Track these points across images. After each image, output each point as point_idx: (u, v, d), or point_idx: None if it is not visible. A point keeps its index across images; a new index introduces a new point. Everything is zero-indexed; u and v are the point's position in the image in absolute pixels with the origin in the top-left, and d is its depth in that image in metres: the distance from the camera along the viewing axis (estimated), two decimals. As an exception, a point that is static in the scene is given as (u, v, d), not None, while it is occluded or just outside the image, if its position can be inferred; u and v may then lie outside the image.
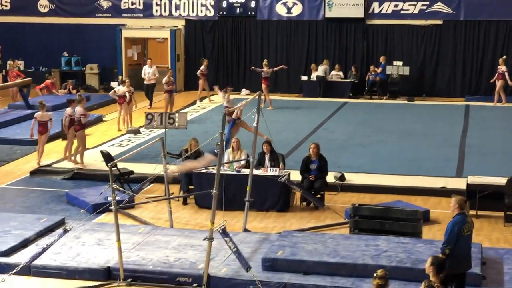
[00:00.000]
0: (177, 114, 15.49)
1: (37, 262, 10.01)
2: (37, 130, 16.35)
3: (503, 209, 12.34)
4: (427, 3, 25.34)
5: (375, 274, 7.18)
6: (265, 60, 24.07)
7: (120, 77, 21.69)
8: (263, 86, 22.82)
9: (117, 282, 9.77)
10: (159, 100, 22.91)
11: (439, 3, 25.25)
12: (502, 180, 12.58)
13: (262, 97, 23.04)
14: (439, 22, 25.42)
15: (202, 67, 24.07)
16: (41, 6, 28.22)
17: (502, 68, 23.24)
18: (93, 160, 16.12)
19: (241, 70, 27.08)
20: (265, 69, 23.16)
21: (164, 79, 21.67)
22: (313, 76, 25.46)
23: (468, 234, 8.50)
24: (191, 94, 25.71)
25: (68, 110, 16.24)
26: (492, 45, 25.09)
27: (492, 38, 25.07)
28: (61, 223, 11.71)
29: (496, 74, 23.45)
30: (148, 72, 23.16)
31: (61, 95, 24.19)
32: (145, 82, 23.19)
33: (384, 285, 7.08)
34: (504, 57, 23.74)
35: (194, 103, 24.05)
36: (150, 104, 23.01)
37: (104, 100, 23.92)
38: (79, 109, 15.83)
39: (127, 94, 19.68)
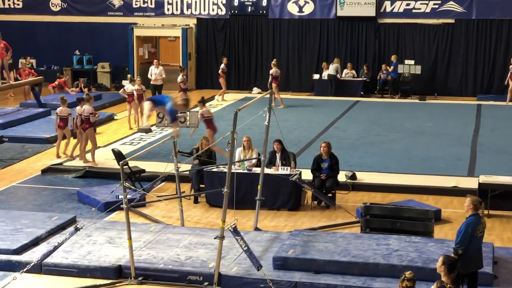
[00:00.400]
0: (188, 112, 15.50)
1: (49, 260, 10.04)
2: (57, 124, 16.69)
3: (515, 209, 12.29)
4: (439, 2, 25.27)
5: (403, 276, 7.13)
6: (274, 60, 24.06)
7: (129, 76, 21.67)
8: (274, 85, 22.82)
9: (128, 280, 9.79)
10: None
11: (451, 2, 25.17)
12: (514, 180, 12.53)
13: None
14: (451, 21, 25.34)
15: (222, 65, 24.05)
16: (53, 5, 28.32)
17: None
18: (104, 159, 16.16)
19: (252, 68, 27.09)
20: (274, 69, 23.15)
21: (179, 78, 21.69)
22: (325, 75, 25.43)
23: (481, 235, 8.48)
24: (202, 92, 25.66)
25: (78, 108, 16.29)
26: (504, 44, 24.99)
27: (505, 37, 24.97)
28: (72, 221, 11.72)
29: (509, 74, 23.34)
30: (155, 72, 22.71)
31: (73, 94, 24.26)
32: (151, 83, 22.69)
33: (412, 287, 7.07)
34: None
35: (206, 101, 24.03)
36: None
37: (116, 99, 23.99)
38: (87, 108, 15.86)
39: (135, 93, 19.70)
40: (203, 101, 16.16)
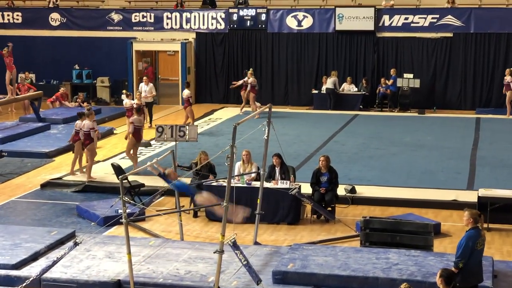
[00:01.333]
0: (187, 127, 15.55)
1: (48, 275, 10.02)
2: (73, 138, 16.60)
3: (514, 222, 12.28)
4: (437, 16, 25.36)
5: None
6: (251, 69, 24.19)
7: (124, 91, 21.64)
8: (251, 95, 22.99)
9: (127, 295, 9.77)
10: (166, 115, 22.91)
11: (449, 16, 25.26)
12: (513, 193, 12.52)
13: (250, 108, 23.35)
14: (449, 35, 25.42)
15: (247, 79, 24.03)
16: (52, 20, 28.41)
17: (507, 78, 23.21)
18: (103, 173, 16.16)
19: (251, 83, 27.08)
20: (251, 78, 23.24)
21: (186, 93, 21.36)
22: (323, 89, 25.49)
23: (481, 248, 8.48)
24: (202, 106, 25.76)
25: (78, 123, 16.27)
26: (502, 57, 25.06)
27: (503, 50, 25.04)
28: (71, 236, 11.70)
29: (504, 86, 23.41)
30: (144, 90, 22.09)
31: (72, 107, 24.31)
32: (141, 101, 20.85)
33: None
34: (511, 68, 23.68)
35: (205, 115, 24.07)
36: (150, 122, 22.11)
37: (115, 113, 24.03)
38: (87, 123, 15.82)
39: (134, 106, 19.68)
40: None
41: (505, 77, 23.41)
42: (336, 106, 24.89)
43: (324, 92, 25.34)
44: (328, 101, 25.10)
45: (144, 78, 22.81)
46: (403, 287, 7.12)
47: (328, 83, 25.01)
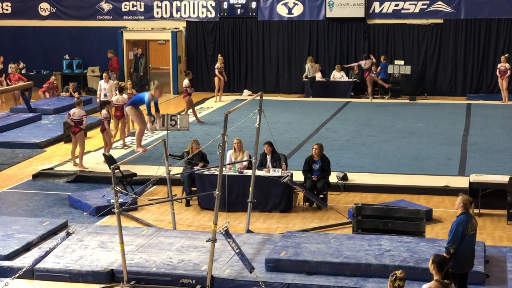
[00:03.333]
0: (179, 116, 15.54)
1: (40, 265, 10.03)
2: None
3: (505, 207, 12.33)
4: (428, 2, 25.34)
5: (394, 276, 7.05)
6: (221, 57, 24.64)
7: (115, 81, 21.53)
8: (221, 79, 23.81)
9: (120, 284, 9.78)
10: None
11: (440, 2, 25.26)
12: (504, 178, 12.57)
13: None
14: (440, 21, 25.42)
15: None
16: (42, 10, 28.26)
17: (505, 65, 23.23)
18: (95, 163, 16.14)
19: (242, 71, 27.08)
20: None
21: (185, 82, 20.98)
22: (316, 77, 25.49)
23: (473, 233, 8.52)
24: (193, 95, 25.63)
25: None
26: (493, 43, 25.09)
27: (493, 36, 25.06)
28: (64, 226, 11.71)
29: (500, 73, 23.40)
30: (104, 88, 19.81)
31: (62, 97, 24.28)
32: (101, 99, 19.68)
33: (403, 287, 7.08)
34: (507, 55, 23.72)
35: (196, 104, 24.01)
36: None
37: (106, 103, 23.94)
38: (78, 111, 15.85)
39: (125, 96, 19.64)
40: None
41: (500, 64, 23.39)
42: (324, 93, 24.88)
43: (316, 79, 25.35)
44: (310, 90, 25.05)
45: (104, 74, 20.34)
46: (399, 275, 7.08)
47: (311, 71, 24.93)
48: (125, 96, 18.09)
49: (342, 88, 25.21)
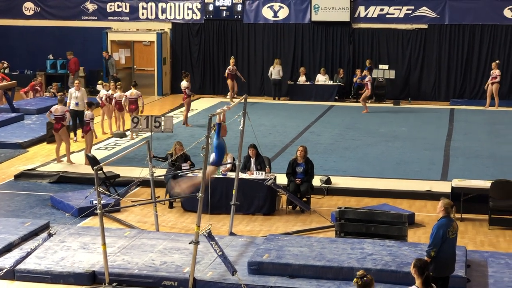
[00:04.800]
0: (163, 117, 15.51)
1: (21, 266, 9.96)
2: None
3: (487, 212, 12.40)
4: (412, 7, 25.47)
5: (355, 280, 7.10)
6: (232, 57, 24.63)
7: (99, 82, 21.47)
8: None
9: (102, 286, 9.72)
10: (141, 105, 22.72)
11: (424, 8, 25.39)
12: (486, 184, 12.64)
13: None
14: (424, 26, 25.55)
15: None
16: (26, 9, 28.12)
17: (495, 72, 23.32)
18: (78, 164, 16.06)
19: (227, 73, 27.06)
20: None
21: (184, 84, 20.80)
22: (301, 80, 25.57)
23: (453, 237, 8.57)
24: (177, 97, 25.65)
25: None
26: (476, 49, 25.25)
27: (477, 42, 25.23)
28: (45, 227, 11.65)
29: (490, 79, 23.48)
30: (75, 96, 18.71)
31: (46, 97, 24.18)
32: (71, 108, 18.31)
33: (369, 284, 7.06)
34: (498, 61, 23.82)
35: (181, 106, 23.98)
36: (75, 134, 18.88)
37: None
38: (60, 108, 15.90)
39: (105, 97, 19.62)
40: None
41: (492, 71, 23.47)
42: (303, 97, 24.97)
43: (300, 82, 25.43)
44: (274, 92, 25.11)
45: (76, 82, 19.54)
46: (359, 274, 7.11)
47: (274, 73, 25.01)
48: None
49: (327, 92, 25.27)
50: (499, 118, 21.99)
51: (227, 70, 24.34)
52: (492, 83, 23.42)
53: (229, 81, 24.27)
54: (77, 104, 18.64)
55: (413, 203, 13.65)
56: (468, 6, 25.20)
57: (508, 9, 24.91)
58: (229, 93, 24.44)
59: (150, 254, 10.50)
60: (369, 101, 25.01)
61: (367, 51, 25.99)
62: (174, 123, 17.10)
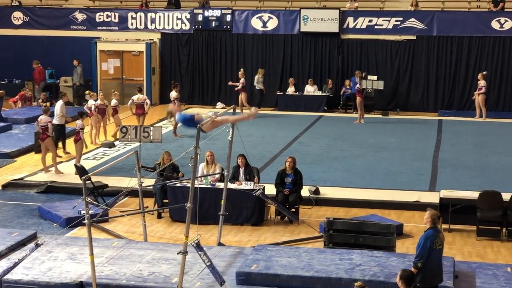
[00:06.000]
0: (152, 128, 15.49)
1: (8, 277, 9.90)
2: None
3: (475, 223, 12.44)
4: (401, 18, 25.61)
5: None
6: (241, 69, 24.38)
7: (87, 92, 21.52)
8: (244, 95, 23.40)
9: (90, 296, 9.69)
10: (130, 115, 22.73)
11: (413, 19, 25.53)
12: (474, 194, 12.68)
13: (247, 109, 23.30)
14: (413, 37, 25.69)
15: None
16: (15, 18, 28.06)
17: (480, 82, 23.47)
18: (66, 174, 16.01)
19: (216, 83, 27.11)
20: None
21: (174, 94, 20.77)
22: (289, 91, 25.63)
23: (440, 248, 8.59)
24: (166, 107, 25.62)
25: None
26: (464, 60, 25.41)
27: (465, 53, 25.38)
28: (33, 237, 11.60)
29: (477, 89, 23.62)
30: (52, 110, 17.66)
31: (34, 106, 24.13)
32: (53, 122, 17.29)
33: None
34: (485, 72, 23.95)
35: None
36: (64, 147, 18.43)
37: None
38: (44, 118, 15.97)
39: (93, 107, 19.61)
40: None
41: (479, 82, 23.59)
42: (292, 108, 24.99)
43: (289, 93, 25.49)
44: (257, 102, 25.00)
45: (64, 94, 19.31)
46: (358, 285, 7.15)
47: (259, 82, 24.93)
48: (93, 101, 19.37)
49: (316, 102, 25.33)
50: (486, 129, 22.10)
51: (241, 84, 23.84)
52: (478, 94, 23.56)
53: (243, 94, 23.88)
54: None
55: (401, 213, 13.68)
56: (456, 17, 25.37)
57: (495, 21, 25.10)
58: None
59: (138, 264, 10.47)
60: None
61: (355, 62, 26.10)
62: (164, 133, 17.09)
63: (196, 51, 27.01)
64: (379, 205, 14.02)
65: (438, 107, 25.53)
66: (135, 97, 20.35)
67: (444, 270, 8.87)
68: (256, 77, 24.97)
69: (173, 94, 20.84)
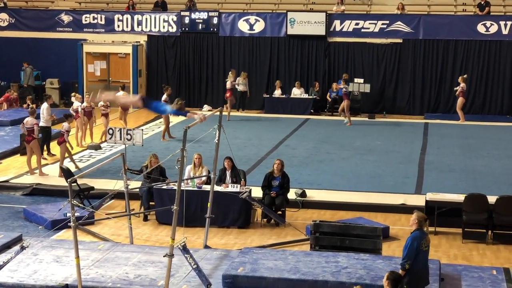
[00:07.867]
0: (134, 130, 15.44)
1: (-6, 279, 9.85)
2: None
3: (461, 226, 12.49)
4: (387, 22, 25.71)
5: None
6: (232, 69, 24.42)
7: (72, 94, 21.46)
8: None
9: (75, 299, 9.64)
10: (117, 117, 22.70)
11: (399, 22, 25.64)
12: (460, 197, 12.73)
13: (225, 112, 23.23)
14: (399, 40, 25.78)
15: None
16: (0, 20, 27.93)
17: (460, 85, 23.61)
18: (52, 176, 15.94)
19: (203, 86, 27.09)
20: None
21: (164, 98, 20.86)
22: (276, 93, 25.66)
23: (426, 249, 8.62)
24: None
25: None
26: (450, 64, 25.53)
27: (451, 57, 25.50)
28: (18, 239, 11.53)
29: (459, 91, 23.76)
30: (37, 112, 17.65)
31: (20, 108, 24.01)
32: (40, 125, 17.15)
33: None
34: (465, 75, 24.09)
35: (155, 118, 23.88)
36: (48, 151, 18.25)
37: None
38: (30, 120, 15.90)
39: (79, 109, 19.56)
40: None
41: (459, 85, 23.71)
42: (279, 111, 25.04)
43: (276, 96, 25.51)
44: (239, 104, 25.15)
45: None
46: None
47: (241, 85, 24.98)
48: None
49: (302, 105, 25.36)
50: (472, 132, 22.21)
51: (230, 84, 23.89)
52: (457, 96, 23.70)
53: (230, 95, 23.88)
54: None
55: (387, 216, 13.71)
56: (442, 21, 25.49)
57: (481, 24, 25.24)
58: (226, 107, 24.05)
59: (124, 267, 10.43)
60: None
61: (342, 65, 26.16)
62: (151, 135, 17.05)
63: (182, 54, 26.99)
64: (366, 207, 14.05)
65: (424, 110, 25.63)
66: (119, 94, 20.15)
67: (430, 272, 8.89)
68: (238, 78, 24.94)
69: (164, 97, 20.81)
